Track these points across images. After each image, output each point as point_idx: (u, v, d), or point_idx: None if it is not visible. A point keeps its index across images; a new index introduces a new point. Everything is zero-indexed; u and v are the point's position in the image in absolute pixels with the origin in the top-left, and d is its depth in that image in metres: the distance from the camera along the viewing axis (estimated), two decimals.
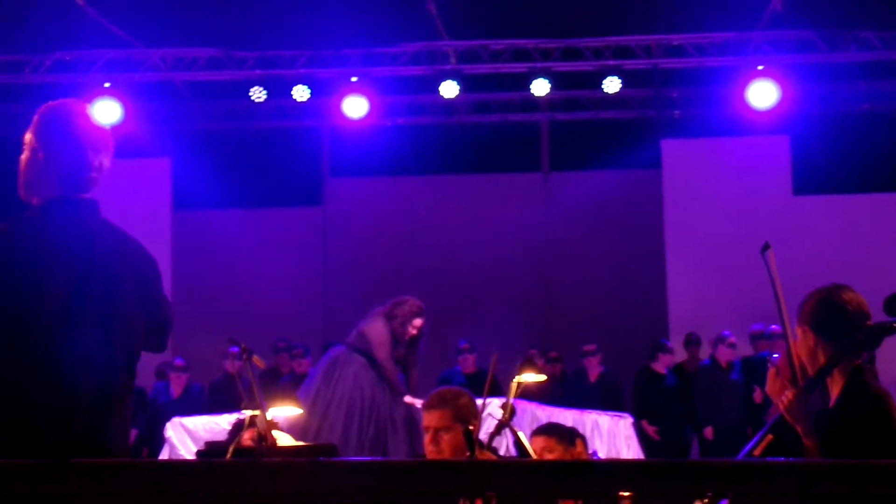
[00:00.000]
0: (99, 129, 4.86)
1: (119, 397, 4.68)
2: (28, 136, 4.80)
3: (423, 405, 7.15)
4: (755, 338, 16.01)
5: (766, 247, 5.62)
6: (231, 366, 15.32)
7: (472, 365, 15.92)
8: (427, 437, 6.97)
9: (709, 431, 15.52)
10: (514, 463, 4.71)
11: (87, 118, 4.84)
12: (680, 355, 16.68)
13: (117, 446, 4.63)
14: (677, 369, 16.12)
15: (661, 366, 15.87)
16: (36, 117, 4.82)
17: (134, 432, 15.49)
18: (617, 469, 3.65)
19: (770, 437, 5.56)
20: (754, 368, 15.21)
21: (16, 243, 4.60)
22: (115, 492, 3.78)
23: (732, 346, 15.68)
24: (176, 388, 16.01)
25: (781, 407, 5.42)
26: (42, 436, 4.44)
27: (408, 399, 11.60)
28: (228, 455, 7.23)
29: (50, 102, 4.89)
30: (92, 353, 4.57)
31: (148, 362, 16.83)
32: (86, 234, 4.68)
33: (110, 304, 4.64)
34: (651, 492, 3.47)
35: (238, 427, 8.36)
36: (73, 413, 4.51)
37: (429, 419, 6.99)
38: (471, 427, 6.52)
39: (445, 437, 6.88)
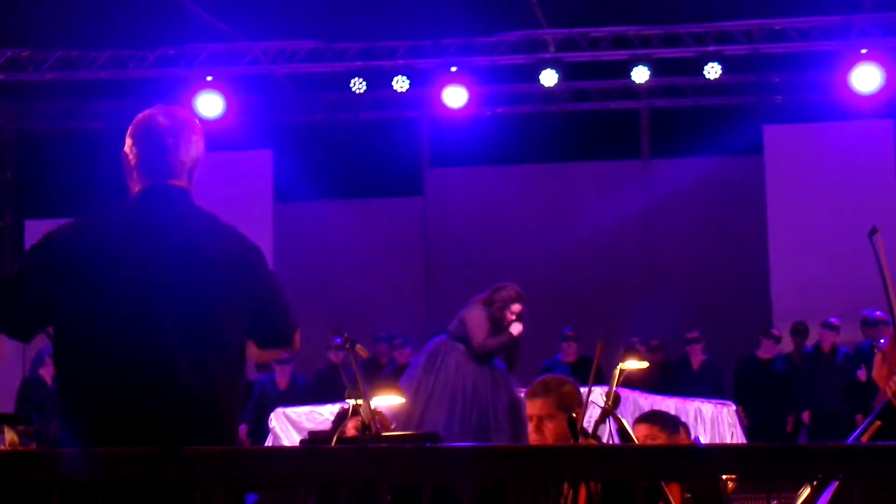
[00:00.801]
0: (181, 113, 4.95)
1: (224, 385, 4.68)
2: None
3: (527, 393, 7.16)
4: (865, 324, 15.85)
5: (873, 230, 5.56)
6: (335, 356, 15.39)
7: (573, 353, 15.89)
8: (531, 426, 6.98)
9: (806, 416, 15.43)
10: (617, 448, 4.71)
11: (167, 110, 4.91)
12: (787, 344, 16.57)
13: (226, 432, 4.66)
14: (784, 358, 16.00)
15: (764, 352, 15.79)
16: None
17: (243, 427, 15.66)
18: (724, 453, 3.63)
19: (878, 423, 5.51)
20: (862, 354, 15.06)
21: (109, 231, 4.67)
22: (222, 477, 3.82)
23: (835, 329, 15.55)
24: (281, 380, 16.14)
25: (889, 392, 5.36)
26: (144, 426, 4.47)
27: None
28: (333, 444, 7.30)
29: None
30: (194, 341, 4.60)
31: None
32: (175, 220, 4.74)
33: (204, 287, 4.63)
34: (759, 475, 3.46)
35: (342, 416, 8.42)
36: (174, 405, 4.53)
37: (532, 407, 7.00)
38: (574, 415, 6.53)
39: (549, 426, 6.89)
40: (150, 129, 4.84)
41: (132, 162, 4.84)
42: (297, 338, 5.07)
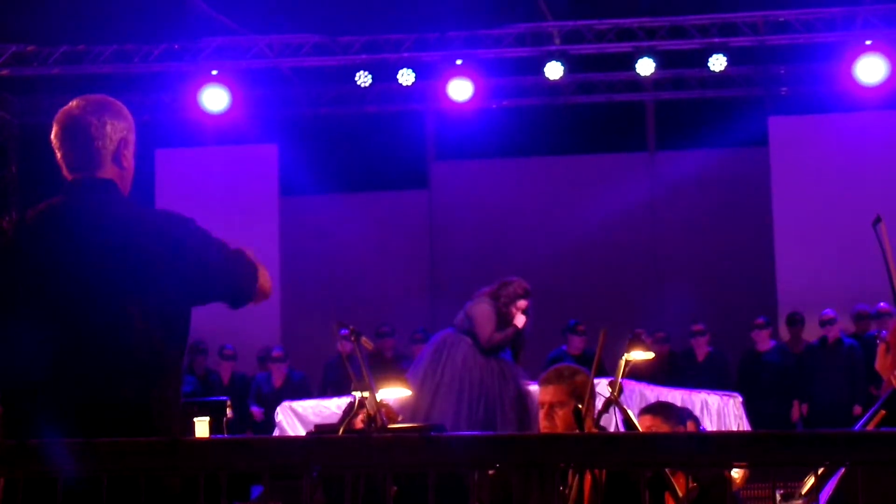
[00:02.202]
0: (94, 101, 4.92)
1: (160, 366, 4.64)
2: None
3: (540, 380, 7.20)
4: (859, 317, 15.91)
5: (877, 220, 5.56)
6: (342, 346, 15.43)
7: (579, 345, 15.90)
8: (542, 412, 7.03)
9: (804, 408, 15.48)
10: (620, 436, 4.71)
11: (81, 101, 4.90)
12: (785, 335, 16.64)
13: (165, 414, 4.65)
14: (780, 349, 16.04)
15: (761, 344, 15.86)
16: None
17: (259, 411, 15.79)
18: (731, 440, 3.64)
19: (883, 412, 5.52)
20: (863, 346, 15.11)
21: (36, 233, 4.70)
22: (225, 467, 3.83)
23: (831, 322, 15.61)
24: (277, 378, 16.20)
25: (894, 381, 5.36)
26: (83, 414, 4.48)
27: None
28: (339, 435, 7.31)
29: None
30: (122, 326, 4.59)
31: (248, 351, 17.08)
32: (97, 215, 4.72)
33: (131, 280, 4.60)
34: (765, 462, 3.46)
35: (350, 409, 8.42)
36: (110, 388, 4.53)
37: (545, 394, 7.06)
38: (580, 406, 6.54)
39: (560, 413, 6.95)
40: (65, 124, 4.86)
41: (58, 158, 4.86)
42: (263, 281, 4.90)
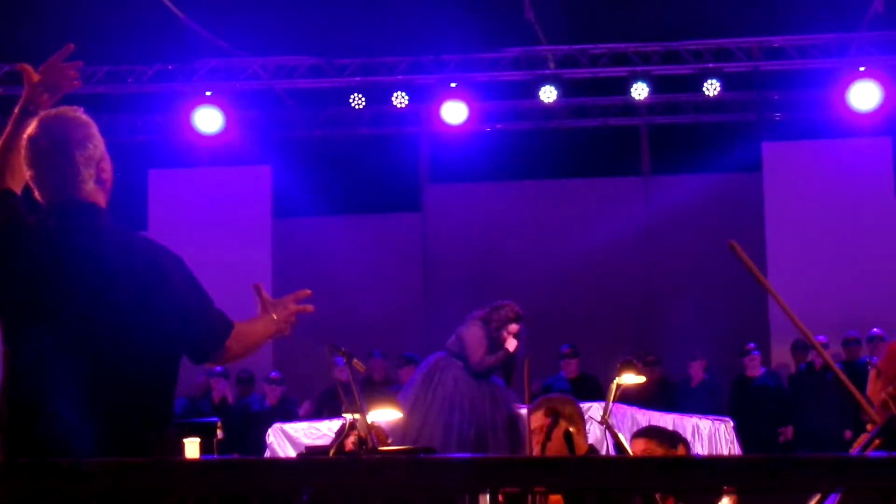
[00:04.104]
0: (59, 124, 4.75)
1: (147, 399, 4.62)
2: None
3: (530, 408, 7.21)
4: (848, 343, 15.91)
5: (732, 246, 5.57)
6: (339, 373, 15.38)
7: (574, 369, 15.90)
8: (534, 439, 7.04)
9: (789, 431, 15.48)
10: (611, 459, 4.69)
11: (47, 121, 4.75)
12: (777, 360, 16.68)
13: (159, 441, 4.62)
14: (770, 375, 16.06)
15: (751, 370, 15.87)
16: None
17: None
18: (722, 465, 3.62)
19: (878, 440, 5.50)
20: (853, 372, 15.12)
21: (20, 256, 4.65)
22: (216, 489, 3.81)
23: (824, 347, 15.62)
24: (271, 399, 16.13)
25: (887, 395, 5.36)
26: (60, 434, 4.45)
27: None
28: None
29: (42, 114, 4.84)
30: (111, 363, 4.55)
31: (238, 372, 17.03)
32: (80, 240, 4.64)
33: (113, 306, 4.55)
34: (757, 487, 3.44)
35: (343, 431, 8.41)
36: (95, 428, 4.48)
37: (535, 421, 7.08)
38: (571, 430, 6.55)
39: (551, 441, 6.96)
40: (37, 145, 4.70)
41: (31, 179, 4.74)
42: (234, 343, 4.84)
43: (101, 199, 4.74)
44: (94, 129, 4.77)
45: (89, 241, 4.63)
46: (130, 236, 4.75)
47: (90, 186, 4.70)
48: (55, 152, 4.67)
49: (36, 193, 4.74)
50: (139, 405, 4.58)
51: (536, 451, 7.07)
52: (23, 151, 4.73)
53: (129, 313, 4.56)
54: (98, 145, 4.75)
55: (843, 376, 5.38)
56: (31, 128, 4.73)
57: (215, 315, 4.79)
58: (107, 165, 4.77)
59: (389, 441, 9.37)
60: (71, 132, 4.70)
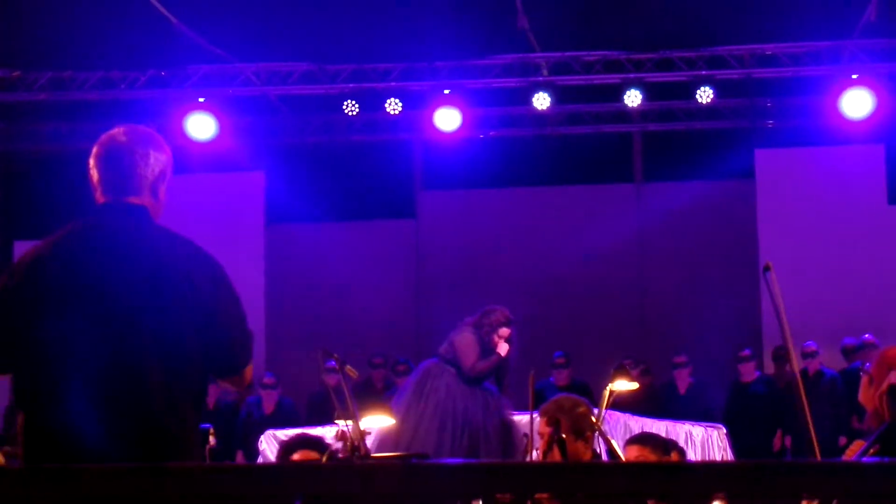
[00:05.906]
0: (141, 131, 4.99)
1: (187, 407, 4.67)
2: None
3: (540, 412, 7.21)
4: (847, 351, 15.93)
5: (767, 267, 5.61)
6: (330, 378, 15.40)
7: (565, 377, 15.89)
8: (542, 443, 7.05)
9: (787, 439, 15.49)
10: (604, 465, 4.68)
11: (128, 129, 4.97)
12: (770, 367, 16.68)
13: (190, 438, 4.65)
14: (765, 380, 16.08)
15: (745, 376, 15.90)
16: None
17: (239, 453, 15.70)
18: (715, 470, 3.61)
19: (875, 447, 5.51)
20: (849, 380, 15.13)
21: (64, 257, 4.71)
22: (206, 494, 3.80)
23: (813, 355, 15.67)
24: (268, 404, 16.12)
25: (885, 413, 5.37)
26: (108, 454, 4.47)
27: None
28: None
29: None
30: (153, 364, 4.59)
31: None
32: (129, 239, 4.76)
33: (158, 308, 4.63)
34: (750, 493, 3.43)
35: (337, 438, 8.40)
36: (140, 431, 4.55)
37: (541, 427, 7.09)
38: (563, 436, 6.54)
39: (554, 451, 6.96)
40: (108, 148, 4.90)
41: (94, 180, 4.90)
42: (248, 374, 4.92)
43: (151, 208, 4.89)
44: (165, 153, 4.97)
45: (133, 239, 4.76)
46: (175, 239, 4.87)
47: (146, 195, 4.88)
48: (119, 155, 4.88)
49: (96, 195, 4.91)
50: (172, 403, 4.63)
51: (540, 456, 7.09)
52: (93, 151, 4.93)
53: (164, 312, 4.64)
54: (161, 165, 4.93)
55: (801, 390, 5.41)
56: (109, 132, 4.96)
57: (245, 340, 4.87)
58: (164, 188, 4.94)
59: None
60: (139, 142, 4.91)
